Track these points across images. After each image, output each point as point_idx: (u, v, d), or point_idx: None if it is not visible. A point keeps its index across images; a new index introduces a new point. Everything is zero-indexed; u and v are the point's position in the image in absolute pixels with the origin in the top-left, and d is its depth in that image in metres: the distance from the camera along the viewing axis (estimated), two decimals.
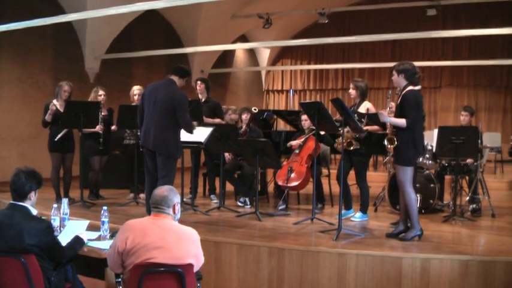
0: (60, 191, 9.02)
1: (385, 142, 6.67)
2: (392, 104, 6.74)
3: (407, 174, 6.55)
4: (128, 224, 4.08)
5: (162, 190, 4.23)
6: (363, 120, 7.54)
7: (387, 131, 6.71)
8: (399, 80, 6.65)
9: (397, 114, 6.55)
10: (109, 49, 13.52)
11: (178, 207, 4.22)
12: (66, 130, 8.77)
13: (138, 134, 8.18)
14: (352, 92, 7.99)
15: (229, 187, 9.67)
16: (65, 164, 9.06)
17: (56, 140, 8.75)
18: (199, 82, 9.75)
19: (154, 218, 4.10)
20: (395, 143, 6.56)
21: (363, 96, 7.95)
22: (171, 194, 4.20)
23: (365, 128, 7.52)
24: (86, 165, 9.23)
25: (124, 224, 4.10)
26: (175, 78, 7.48)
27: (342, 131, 7.15)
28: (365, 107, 7.84)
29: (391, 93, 6.85)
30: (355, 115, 7.48)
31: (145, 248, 3.87)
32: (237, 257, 6.53)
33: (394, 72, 6.68)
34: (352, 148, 7.56)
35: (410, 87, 6.57)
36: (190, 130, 7.54)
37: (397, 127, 6.53)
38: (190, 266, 3.98)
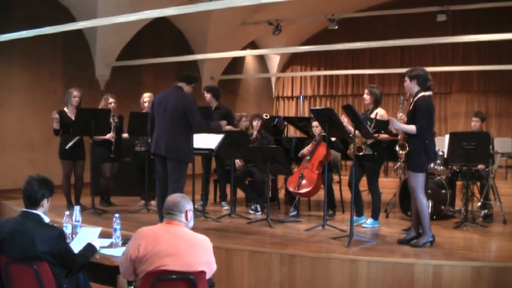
0: (71, 198, 9.03)
1: (397, 148, 6.67)
2: (402, 114, 6.73)
3: (418, 180, 6.53)
4: (140, 231, 4.08)
5: (174, 197, 4.23)
6: (369, 123, 7.52)
7: (399, 137, 6.70)
8: (411, 86, 6.64)
9: (409, 120, 6.54)
10: (119, 56, 13.59)
11: (191, 214, 4.22)
12: (77, 138, 8.80)
13: (149, 141, 8.21)
14: (366, 97, 7.97)
15: (240, 194, 9.66)
16: (76, 171, 9.08)
17: (67, 147, 8.78)
18: (205, 92, 9.75)
19: (166, 225, 4.10)
20: (407, 149, 6.55)
21: (376, 102, 7.94)
22: (184, 200, 4.20)
23: (375, 134, 7.50)
24: (96, 172, 9.25)
25: (136, 232, 4.10)
26: (182, 85, 7.57)
27: (353, 138, 7.15)
28: (378, 113, 7.81)
29: (402, 99, 6.83)
30: (367, 121, 7.48)
31: (157, 255, 3.87)
32: (248, 264, 6.52)
33: (407, 78, 6.66)
34: (362, 153, 7.53)
35: (422, 94, 6.55)
36: (205, 130, 7.69)
37: (408, 133, 6.51)
38: (203, 273, 3.97)
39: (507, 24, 15.49)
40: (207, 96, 9.71)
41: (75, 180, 9.11)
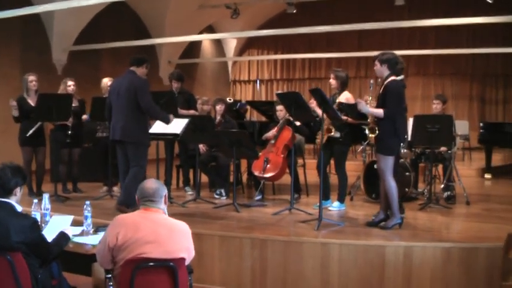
0: (33, 185, 8.85)
1: (367, 131, 6.70)
2: (370, 98, 6.77)
3: (388, 163, 6.58)
4: (119, 218, 4.01)
5: (150, 183, 4.17)
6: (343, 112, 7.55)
7: (369, 120, 6.72)
8: (382, 70, 6.65)
9: (379, 104, 6.57)
10: (77, 41, 13.32)
11: (166, 199, 4.18)
12: (39, 124, 8.61)
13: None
14: (332, 82, 7.95)
15: (203, 179, 9.59)
16: (37, 158, 8.90)
17: (28, 135, 8.57)
18: (174, 81, 9.54)
19: (145, 212, 4.03)
20: (377, 132, 6.57)
21: (343, 86, 7.94)
22: (160, 185, 4.17)
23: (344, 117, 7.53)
24: (57, 158, 9.07)
25: (114, 219, 4.03)
26: (134, 68, 7.57)
27: (321, 121, 7.15)
28: (345, 97, 7.83)
29: (372, 83, 6.86)
30: (334, 105, 7.50)
31: (137, 242, 3.81)
32: (219, 249, 6.49)
33: (377, 62, 6.67)
34: (332, 134, 7.55)
35: (392, 77, 6.58)
36: (154, 113, 7.58)
37: (377, 117, 6.54)
38: (183, 259, 3.94)
39: (463, 9, 15.72)
40: (175, 84, 9.54)
41: (36, 167, 8.93)
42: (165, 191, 4.15)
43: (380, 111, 6.49)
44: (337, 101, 7.76)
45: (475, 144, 15.08)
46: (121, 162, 7.63)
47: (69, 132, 8.90)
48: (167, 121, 7.66)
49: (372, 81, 7.03)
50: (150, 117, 7.66)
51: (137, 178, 7.29)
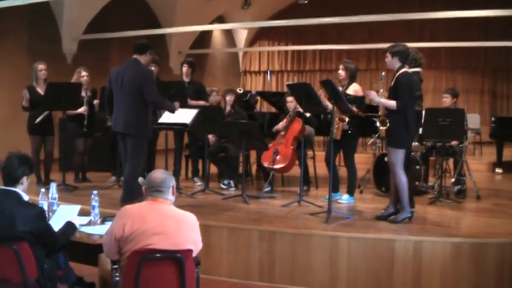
0: (41, 174, 8.84)
1: (377, 124, 6.63)
2: (382, 90, 6.71)
3: (398, 156, 6.51)
4: (125, 209, 3.96)
5: (158, 173, 4.12)
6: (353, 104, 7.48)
7: (379, 113, 6.65)
8: (393, 62, 6.57)
9: (390, 97, 6.50)
10: (86, 30, 13.32)
11: (174, 190, 4.13)
12: (47, 112, 8.59)
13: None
14: (341, 73, 7.88)
15: (212, 169, 9.55)
16: (45, 147, 8.88)
17: (36, 122, 8.55)
18: (186, 65, 9.52)
19: (152, 203, 3.98)
20: (387, 124, 6.50)
21: (351, 78, 7.86)
22: (168, 176, 4.12)
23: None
24: (67, 148, 9.06)
25: (120, 210, 3.98)
26: (137, 56, 7.35)
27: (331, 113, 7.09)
28: (353, 88, 7.77)
29: (384, 75, 6.79)
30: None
31: (144, 234, 3.76)
32: (227, 241, 6.45)
33: (388, 54, 6.59)
34: (346, 122, 7.50)
35: (403, 70, 6.51)
36: (159, 104, 7.52)
37: (389, 109, 6.47)
38: (190, 251, 3.89)
39: (475, 1, 15.55)
40: (188, 69, 9.50)
41: (44, 156, 8.91)
42: (172, 182, 4.10)
43: (393, 103, 6.41)
44: (346, 92, 7.69)
45: (486, 138, 14.99)
46: (123, 155, 7.50)
47: (85, 122, 8.91)
48: (173, 110, 7.57)
49: (383, 73, 6.95)
50: (155, 108, 7.52)
51: (136, 173, 7.25)
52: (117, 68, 7.48)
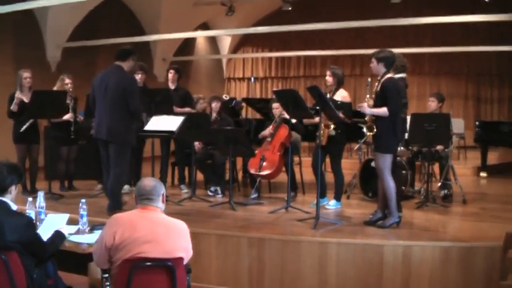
0: (27, 183, 8.76)
1: (364, 129, 6.65)
2: (368, 97, 6.73)
3: (386, 161, 6.53)
4: (115, 218, 3.94)
5: (148, 181, 4.10)
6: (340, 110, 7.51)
7: (366, 119, 6.67)
8: (378, 68, 6.61)
9: (376, 102, 6.53)
10: (71, 37, 13.23)
11: (164, 198, 4.11)
12: (32, 120, 8.53)
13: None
14: (329, 79, 7.88)
15: (198, 176, 9.52)
16: (31, 156, 8.82)
17: (21, 131, 8.50)
18: (172, 71, 9.54)
19: (142, 211, 3.96)
20: (375, 130, 6.52)
21: (339, 83, 7.88)
22: (158, 183, 4.10)
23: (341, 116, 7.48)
24: (52, 156, 9.00)
25: (110, 218, 3.96)
26: (120, 63, 7.34)
27: (319, 119, 7.11)
28: (341, 94, 7.79)
29: (370, 81, 6.81)
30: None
31: (135, 242, 3.74)
32: (216, 248, 6.44)
33: (374, 60, 6.63)
34: (331, 129, 7.51)
35: (389, 75, 6.55)
36: (138, 116, 7.58)
37: (376, 115, 6.50)
38: (181, 259, 3.88)
39: (459, 7, 15.66)
40: (175, 75, 9.53)
41: (30, 164, 8.85)
42: (162, 190, 4.08)
43: (384, 110, 6.44)
44: (334, 98, 7.71)
45: (470, 143, 15.08)
46: (104, 162, 7.46)
47: (72, 128, 8.88)
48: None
49: (369, 79, 6.96)
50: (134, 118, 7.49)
51: (121, 180, 7.28)
52: (101, 74, 7.46)
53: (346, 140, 8.37)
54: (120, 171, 7.26)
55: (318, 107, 7.18)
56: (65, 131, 8.89)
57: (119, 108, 7.12)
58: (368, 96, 6.73)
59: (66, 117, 8.74)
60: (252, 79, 20.48)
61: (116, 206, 7.23)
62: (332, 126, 7.53)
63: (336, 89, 7.85)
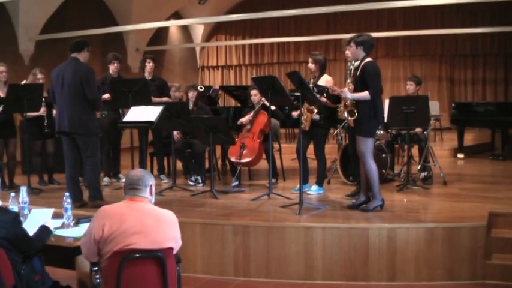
0: (5, 178, 8.65)
1: (345, 114, 6.64)
2: (349, 81, 6.72)
3: (368, 145, 6.55)
4: (103, 210, 3.90)
5: (136, 171, 4.07)
6: (325, 95, 7.49)
7: (347, 103, 6.65)
8: (357, 52, 6.62)
9: (357, 87, 6.54)
10: (43, 30, 13.10)
11: (154, 190, 4.07)
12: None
13: None
14: (311, 66, 7.85)
15: (177, 166, 9.47)
16: (8, 150, 8.71)
17: None
18: (150, 61, 9.49)
19: (130, 202, 3.92)
20: (355, 114, 6.53)
21: (322, 69, 7.87)
22: (147, 174, 4.05)
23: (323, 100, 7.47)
24: (28, 150, 8.90)
25: (98, 211, 3.91)
26: (76, 55, 7.29)
27: (299, 105, 7.10)
28: (324, 79, 7.77)
29: (350, 66, 6.82)
30: (314, 88, 7.45)
31: (124, 233, 3.71)
32: (201, 237, 6.40)
33: (352, 44, 6.62)
34: (314, 113, 7.49)
35: (368, 59, 6.56)
36: (97, 105, 7.46)
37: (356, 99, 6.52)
38: (171, 249, 3.88)
39: None
40: (151, 64, 9.50)
41: (7, 159, 8.73)
42: (151, 181, 4.03)
43: (366, 94, 6.45)
44: (318, 83, 7.69)
45: (446, 124, 15.25)
46: (68, 156, 7.34)
47: (46, 122, 8.80)
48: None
49: (349, 64, 6.96)
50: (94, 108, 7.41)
51: (96, 169, 7.24)
52: (57, 68, 7.38)
53: (330, 125, 8.36)
54: (94, 161, 7.21)
55: (296, 93, 7.18)
56: (38, 125, 8.84)
57: (79, 99, 7.07)
58: (348, 81, 6.73)
59: (40, 111, 8.64)
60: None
61: (97, 195, 7.20)
62: (315, 111, 7.52)
63: (320, 75, 7.84)
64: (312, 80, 7.76)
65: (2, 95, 8.36)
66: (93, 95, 7.11)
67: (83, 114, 7.12)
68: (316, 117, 7.66)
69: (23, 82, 8.87)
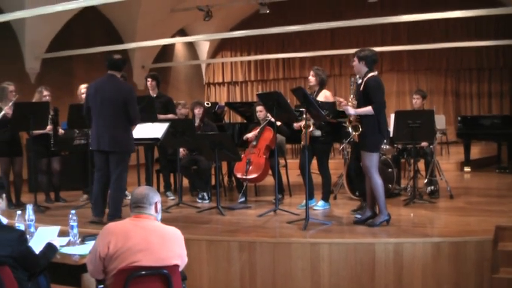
0: (11, 196, 8.67)
1: (350, 129, 6.65)
2: (352, 97, 6.74)
3: (373, 160, 6.56)
4: (108, 227, 3.91)
5: (141, 189, 4.08)
6: (325, 110, 7.50)
7: (351, 118, 6.66)
8: (360, 67, 6.65)
9: (360, 102, 6.55)
10: (49, 48, 13.17)
11: (159, 207, 4.07)
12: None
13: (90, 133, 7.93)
14: (311, 79, 7.88)
15: (184, 183, 9.47)
16: (14, 169, 8.71)
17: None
18: (149, 79, 9.52)
19: (135, 220, 3.93)
20: (360, 129, 6.54)
21: (321, 84, 7.88)
22: (152, 192, 4.05)
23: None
24: (34, 168, 8.92)
25: (103, 228, 3.92)
26: (114, 72, 7.26)
27: (304, 120, 7.11)
28: (323, 95, 7.79)
29: (353, 81, 6.84)
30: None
31: (129, 251, 3.72)
32: (207, 254, 6.41)
33: (355, 59, 6.65)
34: (311, 130, 7.49)
35: (371, 74, 6.57)
36: (137, 124, 7.53)
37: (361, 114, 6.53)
38: (176, 266, 3.87)
39: (435, 4, 15.75)
40: (152, 83, 9.52)
41: (14, 177, 8.74)
42: (156, 199, 4.03)
43: (369, 109, 6.47)
44: (317, 99, 7.70)
45: (452, 138, 15.21)
46: (99, 169, 7.30)
47: (52, 141, 8.81)
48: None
49: (352, 79, 6.98)
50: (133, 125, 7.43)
51: (121, 188, 7.23)
52: (93, 85, 7.32)
53: (332, 141, 8.37)
54: (122, 180, 7.21)
55: (301, 109, 7.19)
56: (45, 143, 8.85)
57: (119, 118, 7.06)
58: (352, 96, 6.74)
59: (46, 129, 8.68)
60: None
61: (116, 214, 7.14)
62: (312, 127, 7.52)
63: (319, 90, 7.85)
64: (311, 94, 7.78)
65: (11, 113, 8.33)
66: (135, 114, 7.12)
67: (124, 132, 7.16)
68: (318, 133, 7.67)
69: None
